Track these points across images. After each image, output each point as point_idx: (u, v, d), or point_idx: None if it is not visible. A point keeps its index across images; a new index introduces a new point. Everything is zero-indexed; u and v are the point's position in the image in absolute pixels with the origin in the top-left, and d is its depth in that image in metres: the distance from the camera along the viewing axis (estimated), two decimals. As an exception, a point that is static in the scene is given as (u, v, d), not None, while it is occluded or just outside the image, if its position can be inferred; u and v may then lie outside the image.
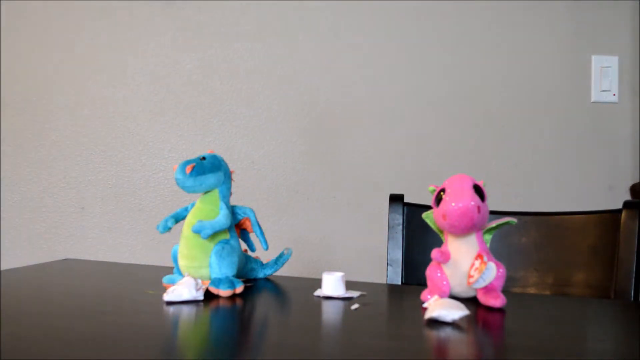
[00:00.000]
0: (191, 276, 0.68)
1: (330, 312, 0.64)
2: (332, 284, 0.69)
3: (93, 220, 1.42)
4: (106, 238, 1.43)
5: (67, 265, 0.95)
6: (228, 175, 0.74)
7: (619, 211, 1.02)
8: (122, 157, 1.43)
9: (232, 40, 1.45)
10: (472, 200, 0.60)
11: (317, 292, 0.70)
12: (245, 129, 1.46)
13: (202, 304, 0.64)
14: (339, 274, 0.70)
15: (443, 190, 0.63)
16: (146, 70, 1.43)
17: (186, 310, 0.62)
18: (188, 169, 0.69)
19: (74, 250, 1.41)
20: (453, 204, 0.60)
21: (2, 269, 1.01)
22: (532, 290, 1.05)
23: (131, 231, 1.43)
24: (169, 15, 1.44)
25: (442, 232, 0.67)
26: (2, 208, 1.40)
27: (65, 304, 0.66)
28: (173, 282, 0.69)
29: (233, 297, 0.67)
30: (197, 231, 0.68)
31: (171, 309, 0.62)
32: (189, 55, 1.44)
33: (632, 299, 0.97)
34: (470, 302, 0.63)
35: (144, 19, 1.44)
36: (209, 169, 0.71)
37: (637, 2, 1.55)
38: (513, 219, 0.65)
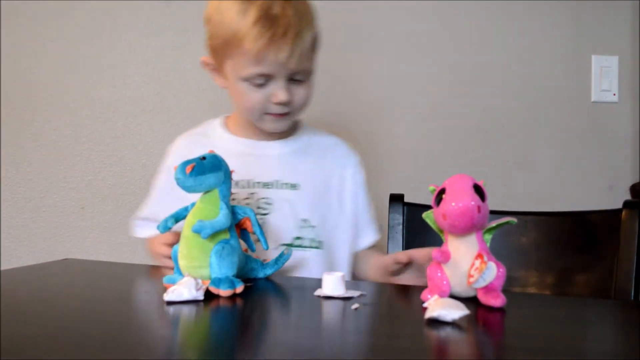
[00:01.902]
0: (191, 276, 0.68)
1: (330, 312, 0.64)
2: (332, 284, 0.69)
3: (93, 220, 1.42)
4: (106, 238, 1.42)
5: (67, 265, 0.95)
6: (228, 175, 0.73)
7: (619, 211, 1.02)
8: (122, 157, 1.43)
9: (232, 40, 1.45)
10: (473, 200, 0.60)
11: (317, 292, 0.70)
12: (245, 129, 1.46)
13: (202, 304, 0.64)
14: (339, 274, 0.70)
15: (443, 190, 0.63)
16: (146, 70, 1.43)
17: (186, 310, 0.62)
18: (188, 168, 0.69)
19: (74, 250, 1.41)
20: (453, 204, 0.60)
21: (2, 269, 1.01)
22: (532, 290, 1.05)
23: (131, 231, 1.43)
24: (169, 15, 1.44)
25: (442, 232, 0.67)
26: (2, 208, 1.40)
27: (65, 304, 0.66)
28: (173, 282, 0.69)
29: (233, 297, 0.67)
30: (197, 231, 0.67)
31: (171, 309, 0.62)
32: (189, 55, 1.44)
33: (632, 299, 0.97)
34: (470, 301, 0.63)
35: (144, 19, 1.44)
36: (209, 168, 0.70)
37: (637, 2, 1.55)
38: (513, 219, 0.65)
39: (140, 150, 1.43)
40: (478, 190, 0.62)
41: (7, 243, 1.40)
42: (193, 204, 0.73)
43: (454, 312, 0.55)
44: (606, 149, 1.56)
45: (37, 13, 1.41)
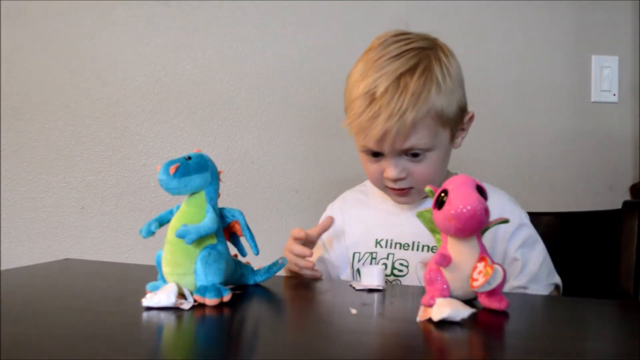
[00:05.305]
0: (175, 284, 0.64)
1: (330, 313, 0.64)
2: (373, 275, 0.72)
3: (93, 220, 1.42)
4: (106, 238, 1.42)
5: (67, 265, 0.95)
6: (216, 176, 0.69)
7: (619, 211, 1.02)
8: (122, 157, 1.43)
9: (232, 40, 1.45)
10: (480, 202, 0.58)
11: (355, 285, 0.73)
12: (245, 129, 1.46)
13: (190, 312, 0.62)
14: (380, 267, 0.74)
15: (445, 191, 0.61)
16: (146, 70, 1.43)
17: (187, 311, 0.62)
18: (172, 169, 0.64)
19: (74, 250, 1.41)
20: (462, 207, 0.57)
21: (2, 269, 1.01)
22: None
23: (131, 231, 1.43)
24: (169, 15, 1.44)
25: (436, 233, 0.66)
26: (2, 208, 1.40)
27: (65, 304, 0.66)
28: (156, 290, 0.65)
29: (220, 305, 0.64)
30: (181, 236, 0.63)
31: (172, 309, 0.62)
32: (188, 55, 1.44)
33: (632, 299, 0.97)
34: (471, 303, 0.63)
35: (144, 19, 1.44)
36: (194, 169, 0.66)
37: (637, 2, 1.55)
38: (506, 218, 0.64)
39: (140, 150, 1.43)
40: (480, 191, 0.61)
41: (7, 243, 1.40)
42: (178, 207, 0.69)
43: (462, 311, 0.54)
44: (606, 149, 1.56)
45: (37, 13, 1.41)
